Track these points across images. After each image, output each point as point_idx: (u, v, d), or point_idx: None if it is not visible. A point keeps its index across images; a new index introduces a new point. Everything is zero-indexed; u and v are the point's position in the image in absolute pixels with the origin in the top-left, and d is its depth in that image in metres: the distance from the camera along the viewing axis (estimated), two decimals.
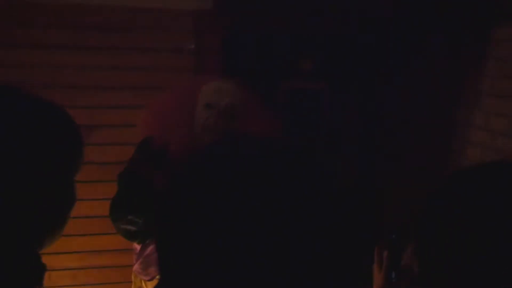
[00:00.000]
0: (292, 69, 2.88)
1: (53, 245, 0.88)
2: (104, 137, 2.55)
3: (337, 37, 2.80)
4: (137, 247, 1.83)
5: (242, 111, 1.73)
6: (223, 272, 0.58)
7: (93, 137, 2.45)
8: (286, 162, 0.62)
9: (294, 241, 0.58)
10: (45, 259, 0.86)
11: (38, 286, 0.81)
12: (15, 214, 0.76)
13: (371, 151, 3.03)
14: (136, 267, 1.85)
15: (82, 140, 0.87)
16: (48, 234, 0.83)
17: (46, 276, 0.86)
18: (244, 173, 0.60)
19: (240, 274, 0.58)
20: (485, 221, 0.81)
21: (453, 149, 2.70)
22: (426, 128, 2.73)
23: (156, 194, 1.57)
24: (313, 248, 0.59)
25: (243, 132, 1.65)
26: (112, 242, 2.62)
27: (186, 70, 2.55)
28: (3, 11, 2.36)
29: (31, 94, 0.83)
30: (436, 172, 2.51)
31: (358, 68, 2.87)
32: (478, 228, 0.81)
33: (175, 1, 2.50)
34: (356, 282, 0.63)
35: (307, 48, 2.88)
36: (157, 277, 1.81)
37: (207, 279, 0.59)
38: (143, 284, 1.88)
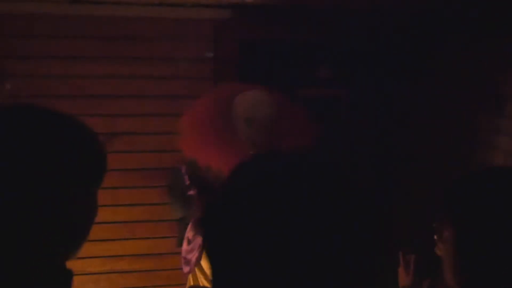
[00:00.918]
0: (310, 76, 2.89)
1: (76, 253, 0.91)
2: (126, 144, 2.60)
3: (356, 43, 2.79)
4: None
5: (281, 122, 1.74)
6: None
7: (115, 144, 2.50)
8: (313, 182, 0.68)
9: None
10: (68, 264, 0.89)
11: None
12: (38, 223, 0.79)
13: (390, 155, 3.01)
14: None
15: (101, 148, 0.89)
16: (72, 243, 0.86)
17: None
18: (277, 198, 0.66)
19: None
20: None
21: (476, 154, 2.66)
22: (447, 132, 2.70)
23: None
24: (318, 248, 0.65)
25: (278, 147, 1.67)
26: (133, 248, 2.67)
27: (205, 79, 2.59)
28: (26, 22, 2.44)
29: (51, 110, 0.86)
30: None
31: (379, 73, 2.86)
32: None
33: (194, 10, 2.54)
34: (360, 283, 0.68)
35: (325, 55, 2.89)
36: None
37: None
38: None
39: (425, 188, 2.63)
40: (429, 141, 2.82)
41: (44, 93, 2.40)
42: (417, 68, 2.83)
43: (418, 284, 1.37)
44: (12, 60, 2.42)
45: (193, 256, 1.91)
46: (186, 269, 1.96)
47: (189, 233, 1.96)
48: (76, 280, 0.92)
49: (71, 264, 0.88)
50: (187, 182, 1.81)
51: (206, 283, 1.90)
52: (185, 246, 1.96)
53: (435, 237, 1.04)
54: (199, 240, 1.90)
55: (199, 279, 1.97)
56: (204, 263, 1.94)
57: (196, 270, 1.97)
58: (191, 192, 1.80)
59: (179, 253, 2.02)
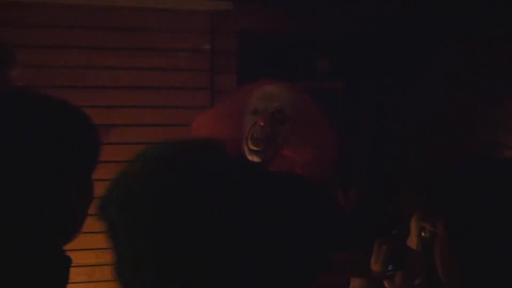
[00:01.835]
0: (308, 69, 2.87)
1: (70, 242, 0.91)
2: (123, 136, 2.58)
3: (355, 37, 2.78)
4: None
5: (293, 115, 1.59)
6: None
7: (112, 136, 2.48)
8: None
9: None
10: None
11: (65, 278, 0.84)
12: (36, 211, 0.79)
13: (386, 151, 3.01)
14: None
15: (98, 138, 0.89)
16: (69, 230, 0.86)
17: None
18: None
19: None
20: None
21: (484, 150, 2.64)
22: (449, 129, 2.70)
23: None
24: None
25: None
26: None
27: (202, 71, 2.57)
28: (22, 12, 2.40)
29: (45, 95, 0.85)
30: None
31: (380, 68, 2.85)
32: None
33: (192, 1, 2.51)
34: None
35: (323, 48, 2.87)
36: None
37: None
38: None
39: (420, 183, 2.62)
40: (425, 138, 2.82)
41: (39, 84, 2.38)
42: (415, 63, 2.82)
43: (390, 274, 1.37)
44: None
45: None
46: None
47: None
48: (70, 272, 0.91)
49: None
50: None
51: None
52: None
53: (416, 231, 1.04)
54: None
55: None
56: None
57: None
58: None
59: None
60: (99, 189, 0.96)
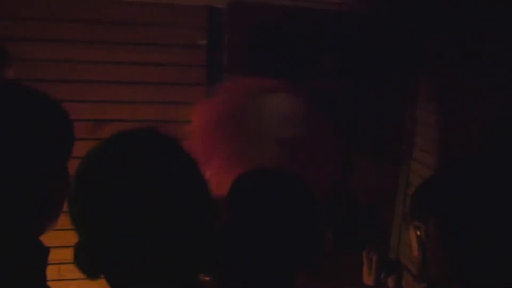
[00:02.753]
0: (314, 68, 2.82)
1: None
2: (116, 131, 2.55)
3: (360, 35, 2.74)
4: None
5: (300, 119, 1.65)
6: None
7: (105, 131, 2.46)
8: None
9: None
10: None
11: (42, 266, 0.84)
12: (11, 201, 0.80)
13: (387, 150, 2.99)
14: None
15: (72, 127, 0.90)
16: (45, 220, 0.87)
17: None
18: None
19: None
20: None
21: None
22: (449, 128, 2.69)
23: None
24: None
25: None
26: None
27: (198, 66, 2.55)
28: (15, 4, 2.37)
29: (19, 85, 0.86)
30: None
31: (384, 67, 2.81)
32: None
33: None
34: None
35: (328, 46, 2.82)
36: None
37: None
38: None
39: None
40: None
41: (31, 77, 2.34)
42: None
43: (384, 283, 1.44)
44: None
45: None
46: None
47: None
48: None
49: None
50: None
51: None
52: None
53: (415, 236, 1.04)
54: None
55: None
56: None
57: None
58: None
59: None
60: None
